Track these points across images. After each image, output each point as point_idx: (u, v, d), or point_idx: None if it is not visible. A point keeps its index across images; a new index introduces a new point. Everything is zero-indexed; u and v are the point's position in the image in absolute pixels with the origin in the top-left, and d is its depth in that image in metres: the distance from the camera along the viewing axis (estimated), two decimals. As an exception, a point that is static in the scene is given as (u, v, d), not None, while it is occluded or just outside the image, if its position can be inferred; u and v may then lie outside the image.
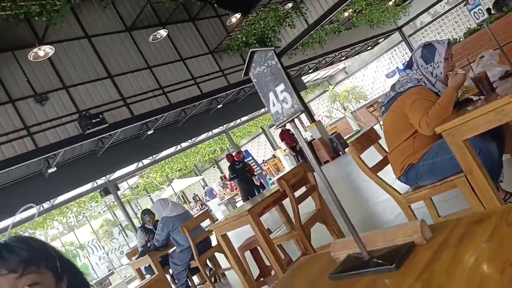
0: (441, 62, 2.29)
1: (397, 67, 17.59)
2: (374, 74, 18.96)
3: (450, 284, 0.63)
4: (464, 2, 2.85)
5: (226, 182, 16.24)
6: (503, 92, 1.92)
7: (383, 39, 17.48)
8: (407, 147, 2.41)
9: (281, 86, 1.03)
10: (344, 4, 10.35)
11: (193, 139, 15.81)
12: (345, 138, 13.29)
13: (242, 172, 10.75)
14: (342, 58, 17.61)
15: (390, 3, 13.65)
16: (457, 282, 0.62)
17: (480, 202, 2.11)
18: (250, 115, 16.54)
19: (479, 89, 2.06)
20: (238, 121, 17.10)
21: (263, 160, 19.56)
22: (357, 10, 12.46)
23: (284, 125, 1.03)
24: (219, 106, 13.10)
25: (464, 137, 1.97)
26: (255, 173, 12.19)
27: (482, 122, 1.89)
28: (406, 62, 2.44)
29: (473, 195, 2.20)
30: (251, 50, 1.06)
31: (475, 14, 2.41)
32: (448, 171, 2.24)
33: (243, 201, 10.83)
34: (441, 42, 2.34)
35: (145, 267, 4.93)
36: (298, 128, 1.08)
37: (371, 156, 2.79)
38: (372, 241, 0.89)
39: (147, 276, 4.92)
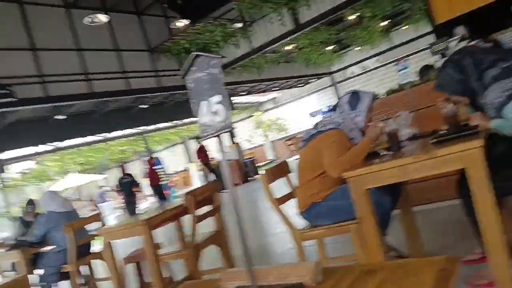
0: (363, 111, 2.41)
1: (322, 109, 18.60)
2: (300, 110, 19.81)
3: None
4: (395, 63, 3.16)
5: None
6: (408, 152, 2.06)
7: (315, 79, 18.45)
8: (314, 185, 2.47)
9: (217, 98, 0.97)
10: (290, 38, 10.76)
11: (106, 134, 14.87)
12: (258, 165, 13.59)
13: (127, 186, 10.79)
14: (275, 88, 18.18)
15: (328, 48, 14.49)
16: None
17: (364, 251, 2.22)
18: (173, 122, 16.13)
19: (388, 144, 2.19)
20: (160, 126, 16.55)
21: (175, 171, 19.09)
22: (299, 47, 13.02)
23: (207, 138, 0.97)
24: (143, 106, 12.59)
25: (367, 187, 2.07)
26: (160, 181, 11.92)
27: (385, 176, 1.99)
28: (331, 105, 2.56)
29: (361, 243, 2.31)
30: (196, 52, 0.99)
31: (402, 75, 2.61)
32: (344, 216, 2.32)
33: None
34: (367, 93, 2.48)
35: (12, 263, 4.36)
36: (222, 145, 1.02)
37: (279, 188, 2.83)
38: (264, 275, 0.85)
39: (8, 274, 4.36)
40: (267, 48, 11.27)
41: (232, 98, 16.65)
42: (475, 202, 1.79)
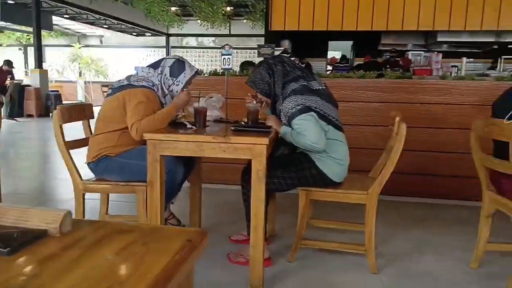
0: (182, 83, 2.42)
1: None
2: (126, 59, 18.60)
3: (53, 288, 0.56)
4: (222, 46, 3.24)
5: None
6: (209, 131, 2.19)
7: (150, 34, 17.62)
8: (112, 138, 2.37)
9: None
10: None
11: None
12: (65, 102, 12.13)
13: None
14: (105, 26, 16.52)
15: (172, 8, 14.04)
16: None
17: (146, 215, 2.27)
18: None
19: (195, 119, 2.28)
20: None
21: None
22: (142, -6, 12.15)
23: None
24: None
25: (163, 153, 2.11)
26: None
27: (182, 147, 2.07)
28: (152, 62, 2.46)
29: (143, 206, 2.35)
30: None
31: (224, 60, 2.73)
32: (135, 176, 2.31)
33: None
34: (192, 67, 2.49)
35: None
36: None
37: (78, 131, 2.60)
38: (2, 214, 0.75)
39: None
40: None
41: (53, 18, 14.31)
42: (251, 191, 2.04)
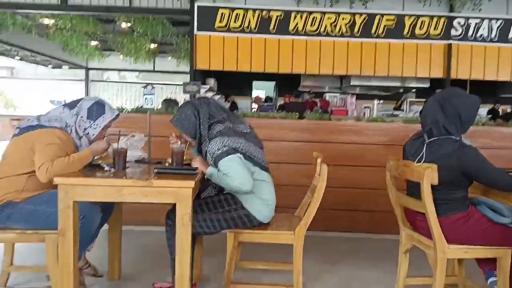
0: (100, 127, 2.28)
1: (64, 100, 16.93)
2: (41, 92, 17.36)
3: None
4: (144, 85, 3.14)
5: None
6: (130, 174, 2.06)
7: (68, 66, 16.75)
8: (17, 183, 2.12)
9: None
10: (50, 12, 9.41)
11: None
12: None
13: None
14: (16, 57, 15.37)
15: (93, 43, 13.55)
16: None
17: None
18: None
19: (114, 161, 2.14)
20: None
21: None
22: (60, 26, 11.55)
23: None
24: None
25: (77, 199, 1.92)
26: None
27: (100, 193, 1.91)
28: (65, 101, 2.30)
29: (54, 256, 2.10)
30: None
31: (147, 99, 2.64)
32: (44, 224, 2.08)
33: None
34: (112, 110, 2.36)
35: None
36: None
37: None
38: None
39: None
40: (18, 10, 9.49)
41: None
42: (176, 238, 1.92)
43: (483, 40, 8.55)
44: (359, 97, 10.65)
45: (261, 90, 12.81)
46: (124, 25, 10.71)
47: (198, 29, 8.63)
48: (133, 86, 17.10)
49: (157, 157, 2.72)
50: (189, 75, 9.11)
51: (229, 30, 8.65)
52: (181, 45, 12.81)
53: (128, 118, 3.74)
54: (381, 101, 11.10)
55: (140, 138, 2.51)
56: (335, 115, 8.40)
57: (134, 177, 1.95)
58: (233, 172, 2.10)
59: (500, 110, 9.23)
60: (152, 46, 13.22)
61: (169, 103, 4.95)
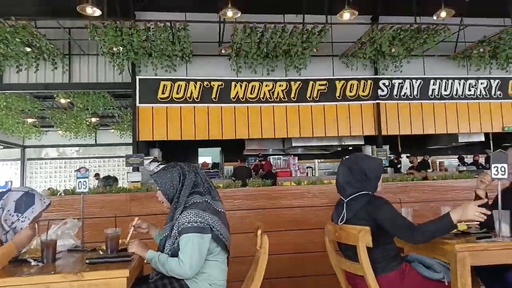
0: (29, 219, 2.13)
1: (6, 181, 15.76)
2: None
3: None
4: (78, 168, 3.04)
5: None
6: (60, 267, 1.93)
7: (2, 147, 15.84)
8: None
9: None
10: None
11: None
12: None
13: None
14: None
15: (30, 120, 13.08)
16: None
17: None
18: None
19: (42, 254, 2.00)
20: None
21: None
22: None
23: None
24: None
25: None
26: None
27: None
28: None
29: None
30: None
31: (80, 183, 2.56)
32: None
33: None
34: (43, 200, 2.21)
35: None
36: None
37: None
38: None
39: None
40: None
41: None
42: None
43: (407, 98, 9.43)
44: (302, 157, 11.07)
45: (208, 156, 12.87)
46: (63, 100, 10.56)
47: (141, 101, 8.72)
48: (72, 162, 16.42)
49: (97, 240, 2.59)
50: (132, 146, 9.03)
51: (172, 101, 8.83)
52: (124, 117, 12.75)
53: (62, 200, 3.57)
54: (322, 160, 11.65)
55: (73, 224, 2.39)
56: (280, 177, 8.62)
57: (63, 271, 1.82)
58: (188, 253, 1.98)
59: (429, 161, 9.94)
60: (93, 119, 13.02)
61: (108, 180, 4.81)
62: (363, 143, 9.91)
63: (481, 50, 8.65)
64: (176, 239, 2.07)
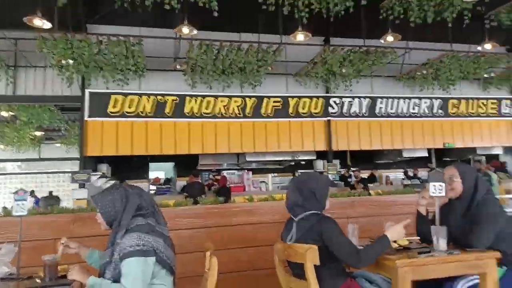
0: None
1: None
2: None
3: None
4: (16, 190, 2.84)
5: None
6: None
7: None
8: None
9: None
10: None
11: None
12: None
13: None
14: None
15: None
16: None
17: None
18: None
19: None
20: None
21: None
22: None
23: None
24: None
25: None
26: None
27: None
28: None
29: None
30: None
31: (17, 206, 2.41)
32: None
33: None
34: None
35: None
36: None
37: None
38: None
39: None
40: None
41: None
42: None
43: (356, 115, 9.83)
44: (256, 171, 11.15)
45: (160, 171, 12.60)
46: (5, 114, 9.96)
47: (90, 115, 8.40)
48: (13, 178, 15.38)
49: (35, 265, 2.43)
50: (79, 162, 8.65)
51: (123, 115, 8.59)
52: (71, 131, 12.21)
53: (-2, 222, 3.33)
54: (276, 174, 11.80)
55: (9, 251, 2.24)
56: (234, 191, 8.60)
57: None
58: (131, 279, 1.89)
59: (377, 175, 10.36)
60: (38, 133, 12.35)
61: (49, 200, 4.56)
62: (315, 157, 10.17)
63: (425, 72, 9.24)
64: (117, 264, 1.98)
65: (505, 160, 11.23)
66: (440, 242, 2.30)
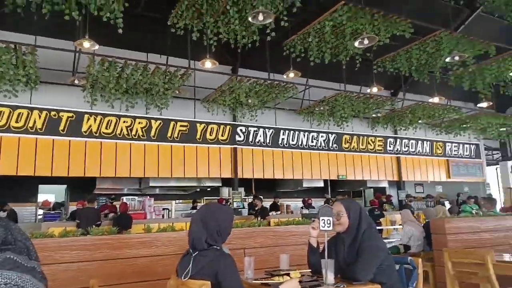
0: None
1: None
2: None
3: None
4: None
5: None
6: None
7: None
8: None
9: None
10: None
11: None
12: None
13: None
14: None
15: None
16: None
17: None
18: None
19: None
20: None
21: None
22: None
23: None
24: None
25: None
26: None
27: None
28: None
29: None
30: None
31: None
32: None
33: None
34: None
35: None
36: None
37: None
38: None
39: None
40: None
41: None
42: None
43: (261, 144, 10.15)
44: (159, 197, 10.74)
45: (51, 194, 11.44)
46: None
47: (-33, 128, 7.37)
48: None
49: None
50: None
51: (8, 130, 7.68)
52: None
53: None
54: (180, 200, 11.51)
55: None
56: (134, 218, 8.12)
57: None
58: None
59: (278, 203, 10.70)
60: None
61: None
62: (221, 184, 10.18)
63: (321, 108, 9.98)
64: None
65: (390, 194, 12.50)
66: (329, 275, 2.42)
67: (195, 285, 2.14)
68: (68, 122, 8.17)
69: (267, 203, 10.34)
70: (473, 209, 7.39)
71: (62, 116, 8.13)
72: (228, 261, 2.22)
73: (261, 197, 9.81)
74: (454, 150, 13.51)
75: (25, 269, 1.91)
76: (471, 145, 14.00)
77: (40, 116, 7.93)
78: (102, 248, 3.53)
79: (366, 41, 6.22)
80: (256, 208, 8.94)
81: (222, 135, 9.71)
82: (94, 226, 5.92)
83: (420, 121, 11.77)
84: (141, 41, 8.24)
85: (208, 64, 6.73)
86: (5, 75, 6.93)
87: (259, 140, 10.16)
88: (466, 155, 13.81)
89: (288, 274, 2.53)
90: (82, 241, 3.51)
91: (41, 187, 10.37)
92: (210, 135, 9.59)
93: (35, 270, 1.98)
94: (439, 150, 13.21)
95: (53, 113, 8.04)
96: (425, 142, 12.89)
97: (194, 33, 6.52)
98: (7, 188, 9.04)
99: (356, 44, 6.41)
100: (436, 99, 10.05)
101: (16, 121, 7.77)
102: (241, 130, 9.96)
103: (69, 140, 8.19)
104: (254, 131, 10.12)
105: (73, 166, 8.15)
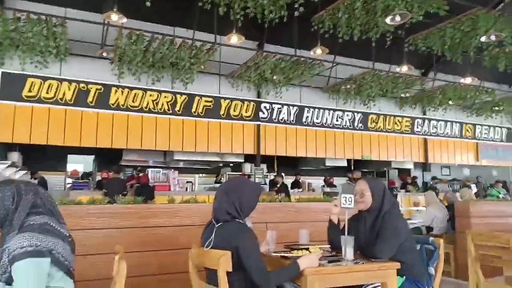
0: None
1: None
2: None
3: None
4: None
5: None
6: None
7: None
8: None
9: None
10: None
11: None
12: None
13: None
14: None
15: None
16: None
17: None
18: None
19: None
20: None
21: None
22: None
23: None
24: None
25: None
26: None
27: None
28: None
29: None
30: None
31: None
32: None
33: None
34: None
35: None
36: None
37: None
38: None
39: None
40: None
41: None
42: None
43: (284, 122, 10.10)
44: (183, 171, 10.94)
45: (80, 164, 11.82)
46: None
47: (1, 98, 7.64)
48: None
49: None
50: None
51: (40, 101, 7.92)
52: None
53: None
54: (203, 174, 11.69)
55: None
56: (158, 190, 8.34)
57: None
58: (24, 284, 1.71)
59: (300, 181, 10.72)
60: None
61: None
62: (243, 160, 10.25)
63: (348, 86, 9.79)
64: (7, 267, 1.80)
65: (415, 175, 12.29)
66: (348, 251, 2.42)
67: (215, 255, 2.19)
68: (96, 94, 8.34)
69: (289, 181, 10.39)
70: (500, 193, 7.20)
71: (91, 88, 8.30)
72: (249, 235, 2.25)
73: (283, 174, 9.87)
74: (484, 133, 13.06)
75: (55, 233, 2.00)
76: (503, 129, 13.49)
77: (69, 88, 8.13)
78: (128, 217, 3.65)
79: (398, 18, 6.00)
80: (278, 185, 8.99)
81: (246, 112, 9.71)
82: (120, 195, 6.11)
83: (450, 102, 11.39)
84: (168, 15, 8.22)
85: (234, 39, 6.68)
86: (36, 46, 7.11)
87: (282, 117, 10.11)
88: (497, 138, 13.34)
89: (307, 249, 2.55)
90: (108, 209, 3.64)
91: (70, 157, 10.72)
92: (234, 111, 9.60)
93: (64, 234, 2.07)
94: (469, 133, 12.80)
95: (82, 85, 8.21)
96: (454, 124, 12.51)
97: (221, 8, 6.45)
98: (38, 157, 9.40)
99: (388, 20, 6.19)
100: (468, 80, 9.67)
101: (47, 92, 7.99)
102: (265, 107, 9.92)
103: (97, 112, 8.37)
104: (278, 108, 10.06)
105: (101, 137, 8.37)
